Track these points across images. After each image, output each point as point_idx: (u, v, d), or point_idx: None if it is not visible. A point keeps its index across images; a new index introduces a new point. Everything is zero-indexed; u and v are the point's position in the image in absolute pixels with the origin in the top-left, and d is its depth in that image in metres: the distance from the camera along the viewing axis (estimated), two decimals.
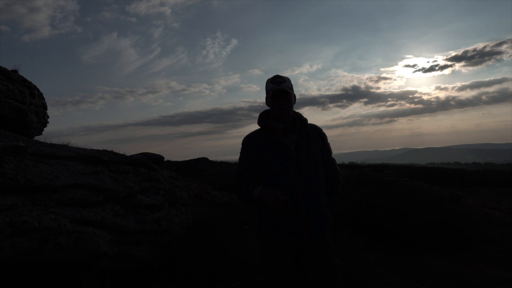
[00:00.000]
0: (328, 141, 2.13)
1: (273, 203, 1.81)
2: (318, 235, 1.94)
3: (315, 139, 2.03)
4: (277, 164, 1.91)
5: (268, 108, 2.04)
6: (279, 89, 1.90)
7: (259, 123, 2.05)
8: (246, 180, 2.04)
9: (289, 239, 1.92)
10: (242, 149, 2.06)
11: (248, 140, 2.03)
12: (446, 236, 4.83)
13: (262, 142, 1.97)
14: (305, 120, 2.04)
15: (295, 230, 1.90)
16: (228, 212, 5.07)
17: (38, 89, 6.25)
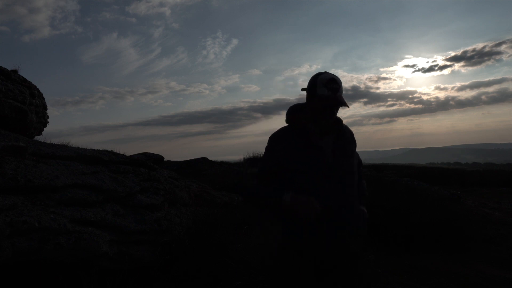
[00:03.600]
0: None
1: (308, 212, 1.58)
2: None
3: (349, 144, 1.83)
4: (310, 169, 1.69)
5: (297, 103, 1.85)
6: (338, 102, 1.65)
7: (288, 121, 1.82)
8: (267, 183, 1.81)
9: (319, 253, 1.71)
10: (268, 148, 1.83)
11: (277, 139, 1.80)
12: (446, 236, 4.83)
13: (293, 143, 1.73)
14: (341, 120, 1.82)
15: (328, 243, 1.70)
16: (228, 212, 5.07)
17: (38, 89, 6.25)
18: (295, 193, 1.66)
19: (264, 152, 1.86)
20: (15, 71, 5.78)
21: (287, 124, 1.84)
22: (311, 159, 1.70)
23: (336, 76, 1.70)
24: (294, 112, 1.82)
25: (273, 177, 1.78)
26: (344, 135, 1.82)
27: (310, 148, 1.71)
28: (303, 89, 1.80)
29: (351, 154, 1.80)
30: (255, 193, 1.86)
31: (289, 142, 1.74)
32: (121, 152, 4.37)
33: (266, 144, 1.85)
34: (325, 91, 1.65)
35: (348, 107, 1.68)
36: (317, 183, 1.68)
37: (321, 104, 1.67)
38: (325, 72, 1.72)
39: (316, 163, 1.69)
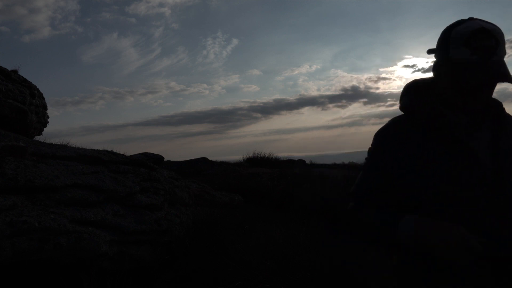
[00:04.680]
0: None
1: (457, 252, 0.87)
2: None
3: None
4: (451, 184, 0.97)
5: (418, 79, 1.16)
6: (490, 74, 0.94)
7: (407, 108, 1.09)
8: (373, 204, 1.10)
9: None
10: (374, 152, 1.13)
11: (390, 137, 1.09)
12: None
13: (417, 142, 1.03)
14: (501, 104, 1.09)
15: None
16: (228, 212, 5.07)
17: (38, 89, 6.26)
18: (422, 217, 0.97)
19: (367, 158, 1.16)
20: (15, 71, 5.79)
21: (402, 113, 1.12)
22: (455, 169, 0.98)
23: (490, 25, 0.95)
24: (418, 91, 1.09)
25: (382, 196, 1.09)
26: (508, 130, 1.06)
27: (452, 150, 1.00)
28: (429, 51, 1.09)
29: None
30: (356, 220, 1.16)
31: (412, 141, 1.04)
32: (121, 152, 4.37)
33: (370, 146, 1.16)
34: (466, 53, 0.95)
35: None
36: (464, 210, 0.96)
37: (457, 77, 0.98)
38: (469, 19, 0.98)
39: (463, 174, 0.98)
